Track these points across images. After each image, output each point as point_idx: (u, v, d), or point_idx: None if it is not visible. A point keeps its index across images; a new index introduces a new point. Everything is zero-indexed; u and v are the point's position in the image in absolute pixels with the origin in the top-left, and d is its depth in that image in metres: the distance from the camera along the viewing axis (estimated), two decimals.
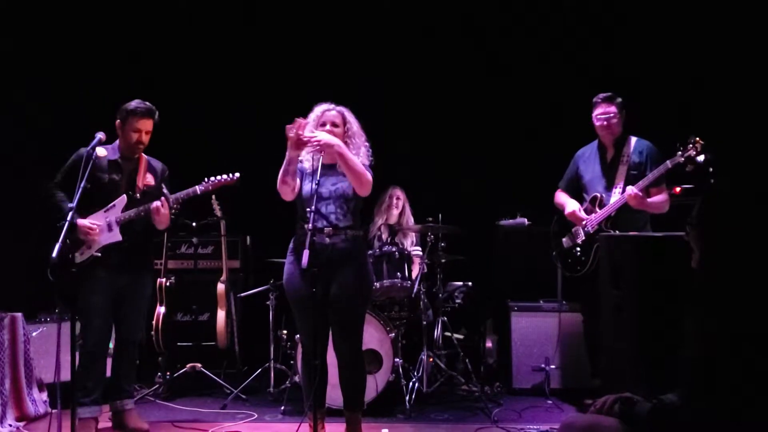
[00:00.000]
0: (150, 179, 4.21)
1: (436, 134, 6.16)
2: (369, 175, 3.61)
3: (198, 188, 4.12)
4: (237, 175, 4.16)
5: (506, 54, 6.05)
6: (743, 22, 5.36)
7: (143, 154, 4.24)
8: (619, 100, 4.48)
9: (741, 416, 2.02)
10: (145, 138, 4.15)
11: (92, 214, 4.00)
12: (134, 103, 4.13)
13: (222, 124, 6.29)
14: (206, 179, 4.14)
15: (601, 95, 4.50)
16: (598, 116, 4.49)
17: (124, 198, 4.06)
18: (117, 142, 4.18)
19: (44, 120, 5.65)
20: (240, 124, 6.25)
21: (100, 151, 4.06)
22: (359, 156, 3.63)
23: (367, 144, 3.73)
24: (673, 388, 2.19)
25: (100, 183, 4.03)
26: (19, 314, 4.54)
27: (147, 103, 4.15)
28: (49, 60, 5.68)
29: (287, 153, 3.50)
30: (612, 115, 4.45)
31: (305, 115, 3.71)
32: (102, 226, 4.00)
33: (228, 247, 5.46)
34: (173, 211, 4.45)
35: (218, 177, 4.15)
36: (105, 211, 4.03)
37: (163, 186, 4.17)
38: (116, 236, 4.01)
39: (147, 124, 4.13)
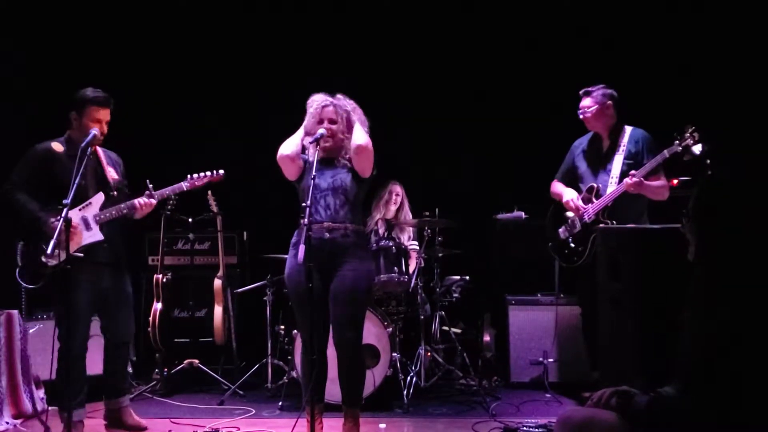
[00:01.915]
0: (114, 173, 4.03)
1: (433, 128, 6.15)
2: (371, 143, 3.62)
3: (183, 185, 4.01)
4: (222, 172, 4.09)
5: (503, 47, 6.02)
6: (741, 12, 5.36)
7: (98, 147, 4.01)
8: (600, 92, 4.49)
9: (738, 409, 2.01)
10: (106, 128, 3.91)
11: (56, 211, 3.60)
12: (90, 92, 3.88)
13: (219, 119, 6.27)
14: (190, 176, 4.05)
15: (583, 90, 4.54)
16: (578, 110, 4.55)
17: (101, 195, 3.89)
18: (68, 134, 3.92)
19: (24, 116, 5.60)
20: (237, 120, 6.24)
21: (57, 146, 3.86)
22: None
23: (363, 118, 3.74)
24: (671, 381, 2.18)
25: (62, 179, 3.68)
26: (15, 311, 4.53)
27: (101, 90, 3.92)
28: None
29: (308, 129, 3.63)
30: (587, 108, 4.50)
31: (303, 110, 3.73)
32: (80, 225, 3.80)
33: (225, 243, 5.44)
34: (170, 205, 4.41)
35: (203, 174, 4.06)
36: (80, 209, 3.81)
37: (148, 182, 3.99)
38: (97, 235, 3.84)
39: (107, 114, 3.90)
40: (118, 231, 4.02)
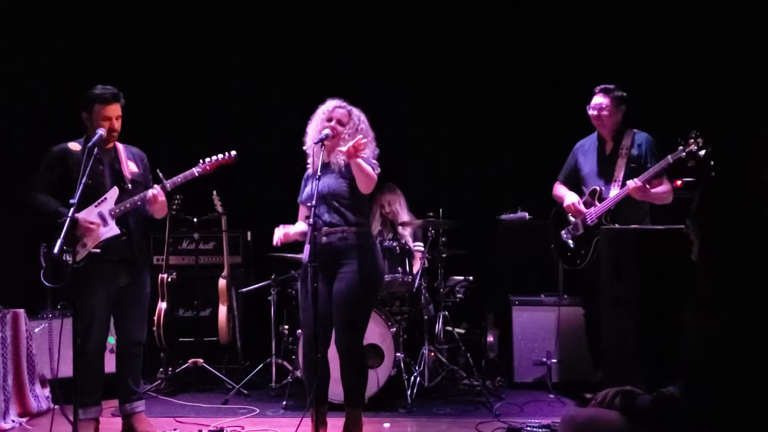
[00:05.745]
0: (134, 167, 4.00)
1: (437, 128, 6.16)
2: (375, 175, 3.60)
3: (195, 170, 3.91)
4: (233, 153, 3.96)
5: (504, 46, 6.03)
6: (743, 14, 5.36)
7: (117, 142, 4.00)
8: (618, 93, 4.44)
9: (740, 409, 2.02)
10: (117, 124, 3.88)
11: (83, 210, 3.71)
12: (98, 90, 3.86)
13: (223, 119, 6.29)
14: (202, 160, 3.96)
15: (599, 86, 4.49)
16: (591, 106, 4.47)
17: (115, 190, 3.87)
18: (86, 134, 3.91)
19: (41, 116, 5.63)
20: (241, 119, 6.26)
21: (74, 146, 3.88)
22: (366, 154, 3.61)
23: (373, 143, 3.74)
24: (674, 381, 2.19)
25: (79, 179, 3.62)
26: (21, 310, 4.54)
27: (110, 87, 3.92)
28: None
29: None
30: (603, 106, 4.42)
31: (306, 109, 3.75)
32: (97, 221, 3.81)
33: (229, 243, 5.46)
34: (175, 203, 4.38)
35: (214, 157, 3.95)
36: (96, 206, 3.81)
37: (159, 172, 3.95)
38: (114, 230, 3.82)
39: (116, 110, 3.86)
40: (138, 226, 3.97)
